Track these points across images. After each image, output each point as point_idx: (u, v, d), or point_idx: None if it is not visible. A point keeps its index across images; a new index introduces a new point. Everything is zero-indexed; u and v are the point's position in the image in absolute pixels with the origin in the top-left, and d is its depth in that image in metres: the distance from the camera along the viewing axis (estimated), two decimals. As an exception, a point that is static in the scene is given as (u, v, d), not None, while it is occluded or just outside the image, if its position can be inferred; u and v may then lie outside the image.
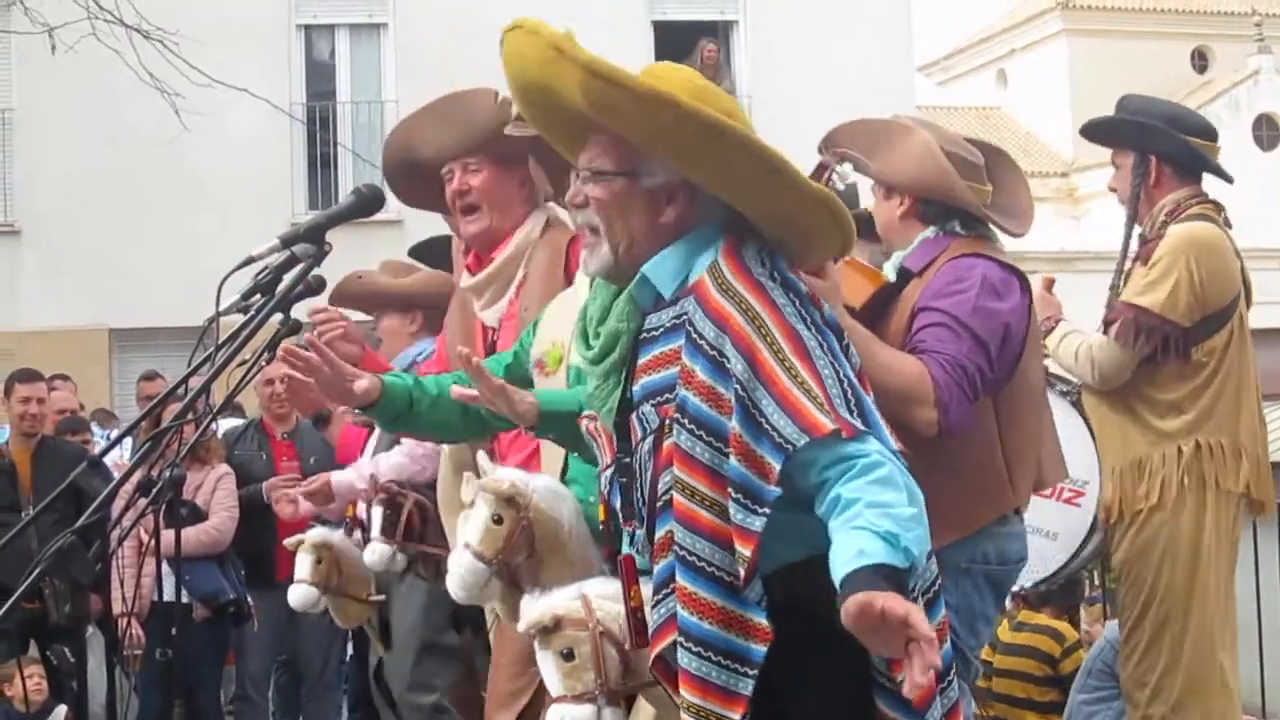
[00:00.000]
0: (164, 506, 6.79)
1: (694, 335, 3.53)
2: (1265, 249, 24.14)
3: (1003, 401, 5.18)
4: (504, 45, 3.71)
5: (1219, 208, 6.42)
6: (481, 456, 4.82)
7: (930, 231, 5.35)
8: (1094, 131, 6.61)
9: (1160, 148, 6.37)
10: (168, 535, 8.34)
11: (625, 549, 3.81)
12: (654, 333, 3.67)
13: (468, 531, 4.69)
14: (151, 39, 13.11)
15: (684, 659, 3.48)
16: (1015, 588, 6.97)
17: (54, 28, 12.78)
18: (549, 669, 3.94)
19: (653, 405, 3.61)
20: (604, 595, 3.96)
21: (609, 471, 3.84)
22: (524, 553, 4.64)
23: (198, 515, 9.66)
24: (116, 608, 8.99)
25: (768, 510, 3.40)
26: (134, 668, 9.77)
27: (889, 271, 5.32)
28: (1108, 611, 10.43)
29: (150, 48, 13.19)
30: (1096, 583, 13.31)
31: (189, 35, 13.52)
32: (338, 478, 7.05)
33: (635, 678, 3.98)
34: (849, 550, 3.23)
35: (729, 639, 3.47)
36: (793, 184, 3.60)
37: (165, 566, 8.81)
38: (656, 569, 3.59)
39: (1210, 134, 6.51)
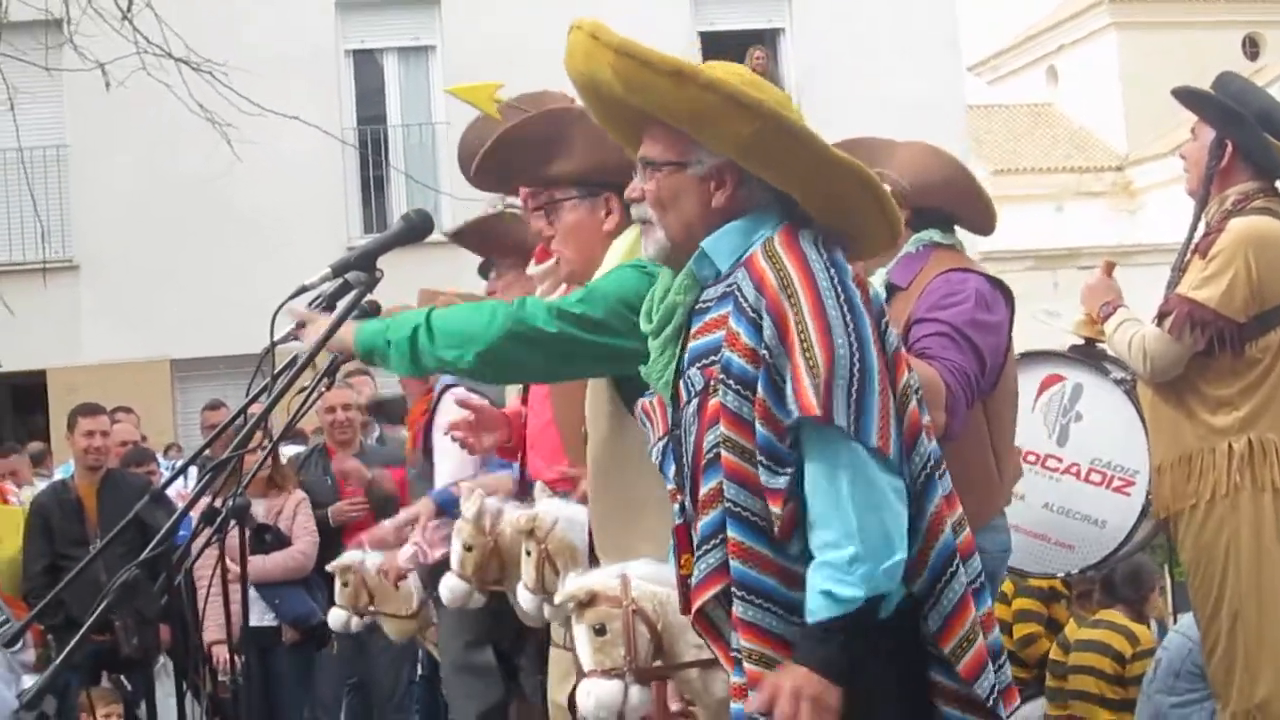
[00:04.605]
0: (250, 534, 6.87)
1: (740, 299, 3.67)
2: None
3: (990, 407, 5.46)
4: (568, 45, 3.87)
5: None
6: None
7: (911, 246, 5.57)
8: (1185, 97, 6.52)
9: (1240, 139, 6.27)
10: (252, 561, 8.40)
11: (677, 519, 3.91)
12: (708, 303, 3.80)
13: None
14: (201, 71, 13.17)
15: (741, 609, 3.63)
16: (1061, 574, 7.07)
17: (105, 64, 12.85)
18: (581, 643, 4.05)
19: (698, 368, 3.74)
20: (645, 576, 4.03)
21: (661, 444, 3.95)
22: (556, 581, 4.89)
23: (282, 540, 9.74)
24: (209, 636, 9.00)
25: (790, 469, 3.57)
26: (225, 695, 9.81)
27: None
28: (1175, 606, 10.37)
29: (199, 79, 13.26)
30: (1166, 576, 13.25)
31: (237, 65, 13.59)
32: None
33: (668, 660, 4.02)
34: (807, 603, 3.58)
35: (781, 589, 3.62)
36: (823, 156, 3.71)
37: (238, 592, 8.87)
38: (702, 522, 3.71)
39: None
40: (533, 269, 5.76)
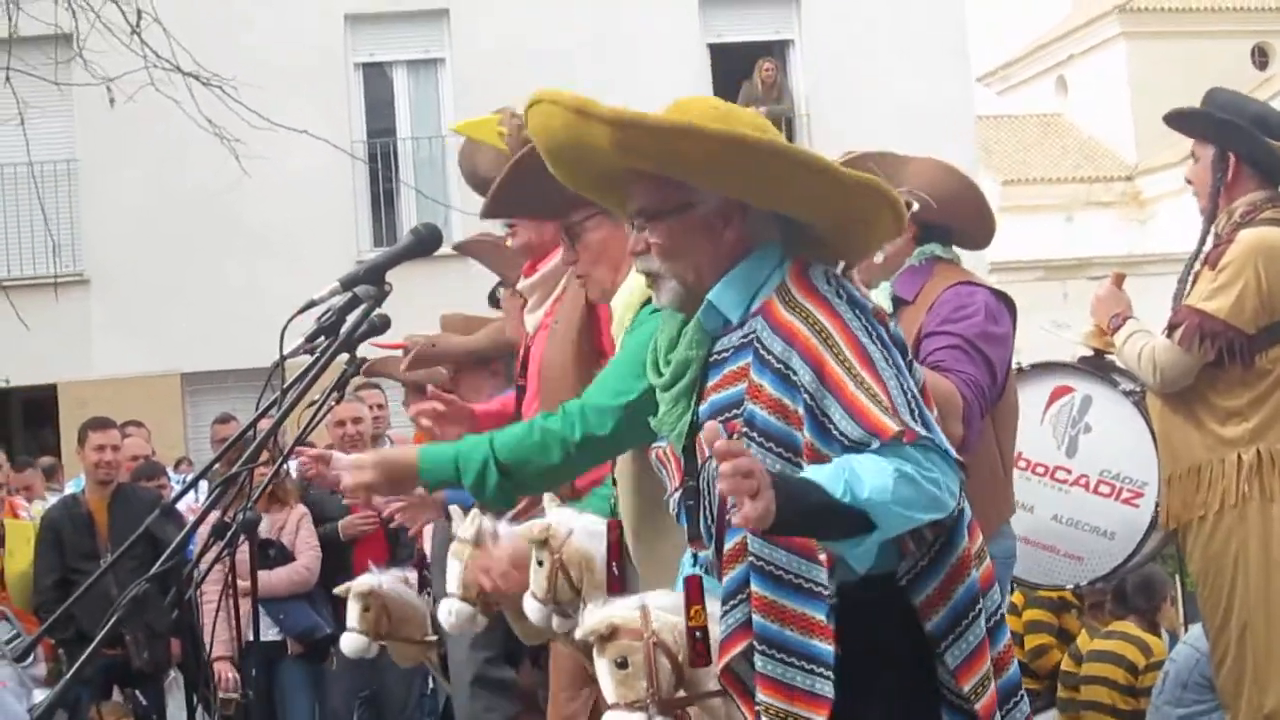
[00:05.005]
0: (255, 548, 6.87)
1: (762, 351, 3.62)
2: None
3: (996, 417, 5.54)
4: (529, 120, 3.83)
5: None
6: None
7: (915, 259, 5.66)
8: (1177, 121, 6.54)
9: (1241, 148, 6.29)
10: (259, 576, 8.41)
11: (690, 569, 3.87)
12: (723, 354, 3.75)
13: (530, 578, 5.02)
14: (209, 85, 13.18)
15: (764, 665, 3.59)
16: (1070, 586, 7.11)
17: (113, 79, 12.87)
18: (604, 676, 4.03)
19: (720, 421, 3.63)
20: (664, 607, 4.02)
21: (676, 495, 3.91)
22: (569, 591, 4.83)
23: (285, 555, 9.77)
24: (219, 650, 9.02)
25: None
26: (231, 712, 9.83)
27: (881, 300, 5.54)
28: (1186, 616, 10.39)
29: (208, 94, 13.27)
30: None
31: (246, 80, 13.59)
32: None
33: (690, 690, 4.02)
34: (829, 465, 3.48)
35: (808, 643, 3.57)
36: (830, 175, 3.65)
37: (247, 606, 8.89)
38: (726, 578, 3.69)
39: None
40: (522, 284, 5.75)
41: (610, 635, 4.00)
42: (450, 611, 5.51)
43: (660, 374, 3.91)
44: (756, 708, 3.64)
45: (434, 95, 23.15)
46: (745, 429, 3.60)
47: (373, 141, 22.54)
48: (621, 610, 4.07)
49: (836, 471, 3.42)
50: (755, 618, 3.60)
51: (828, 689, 3.56)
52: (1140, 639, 8.92)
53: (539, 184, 4.89)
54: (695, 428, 3.77)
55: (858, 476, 3.40)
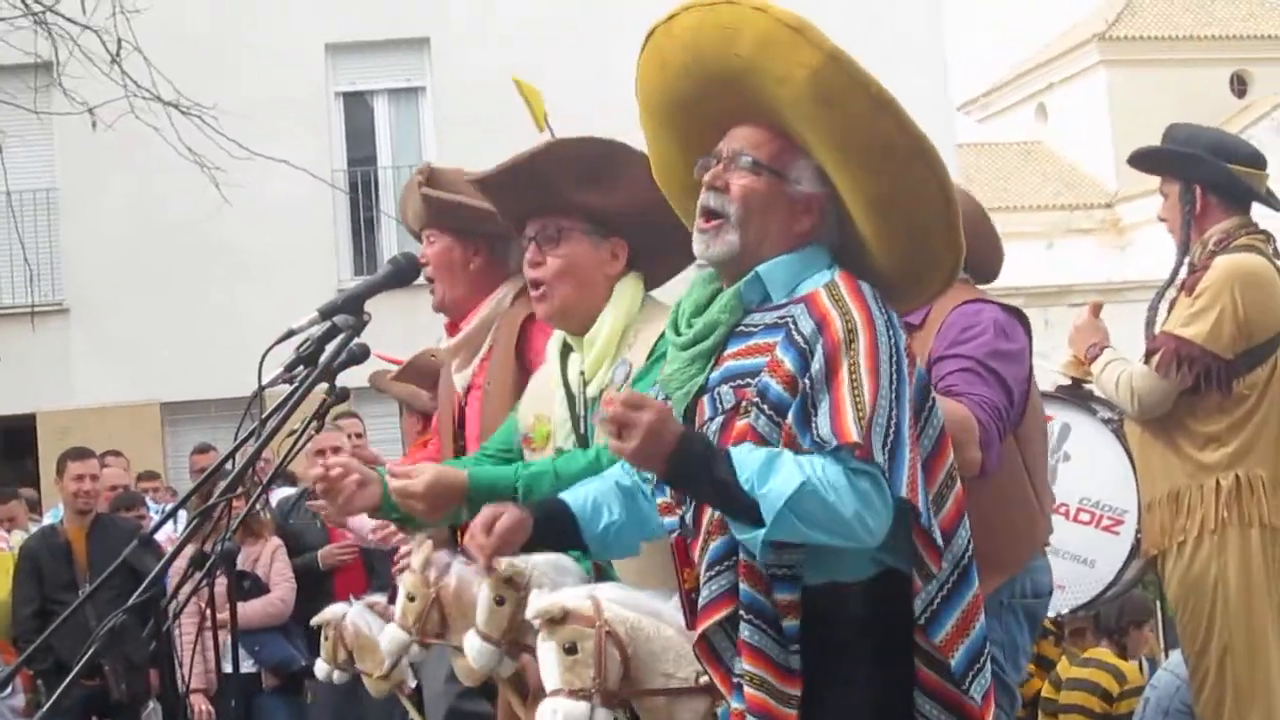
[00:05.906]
0: (231, 580, 6.88)
1: (793, 332, 3.60)
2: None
3: (1021, 436, 5.30)
4: (706, 16, 3.68)
5: (1269, 238, 6.38)
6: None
7: None
8: (1140, 161, 6.58)
9: (1205, 177, 6.33)
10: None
11: (675, 532, 3.86)
12: (752, 328, 3.73)
13: (476, 615, 4.80)
14: (190, 114, 13.18)
15: (748, 633, 3.58)
16: (1051, 614, 7.07)
17: (93, 107, 12.87)
18: (549, 661, 3.96)
19: (731, 386, 3.67)
20: (615, 599, 3.99)
21: None
22: (533, 634, 4.74)
23: (260, 587, 9.76)
24: (194, 683, 9.00)
25: None
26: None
27: None
28: (1167, 643, 10.39)
29: (189, 122, 13.27)
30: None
31: (226, 108, 13.60)
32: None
33: (631, 686, 3.99)
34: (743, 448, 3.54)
35: (782, 619, 3.58)
36: (953, 223, 3.69)
37: (225, 638, 8.88)
38: (714, 545, 3.67)
39: (1258, 161, 6.47)
40: (444, 344, 5.66)
41: (561, 619, 3.95)
42: (388, 638, 5.50)
43: (679, 334, 3.87)
44: (737, 679, 3.62)
45: (415, 124, 23.17)
46: (756, 399, 3.59)
47: (353, 170, 22.56)
48: (573, 597, 4.03)
49: (753, 459, 3.45)
50: (743, 586, 3.58)
51: (795, 663, 3.56)
52: (1115, 667, 8.92)
53: (557, 175, 4.79)
54: (703, 390, 3.75)
55: (770, 471, 3.43)
